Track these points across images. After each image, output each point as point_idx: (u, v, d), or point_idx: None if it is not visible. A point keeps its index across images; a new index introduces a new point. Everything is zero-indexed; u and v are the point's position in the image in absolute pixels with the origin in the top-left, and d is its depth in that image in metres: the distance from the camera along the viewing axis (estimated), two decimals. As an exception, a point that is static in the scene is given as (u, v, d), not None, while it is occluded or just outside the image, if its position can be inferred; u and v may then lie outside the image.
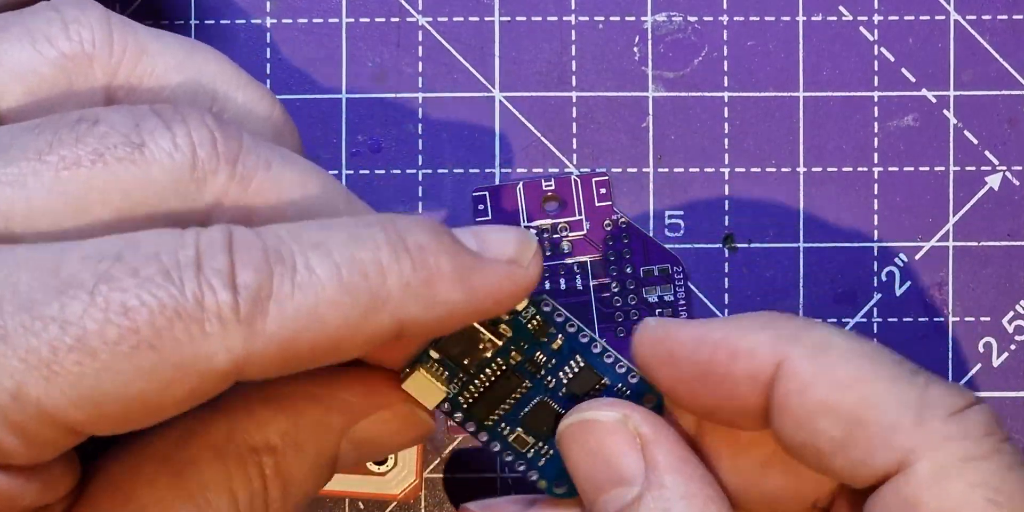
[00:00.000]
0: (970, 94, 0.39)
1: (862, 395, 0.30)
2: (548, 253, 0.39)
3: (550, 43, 0.39)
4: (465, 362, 0.32)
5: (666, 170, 0.39)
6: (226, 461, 0.29)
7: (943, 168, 0.39)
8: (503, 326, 0.32)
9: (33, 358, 0.26)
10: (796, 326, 0.30)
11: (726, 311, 0.39)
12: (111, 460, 0.29)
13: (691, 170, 0.39)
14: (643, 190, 0.39)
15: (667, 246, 0.39)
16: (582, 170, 0.39)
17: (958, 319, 0.39)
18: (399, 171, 0.39)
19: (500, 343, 0.32)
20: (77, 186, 0.28)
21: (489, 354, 0.32)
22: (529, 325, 0.32)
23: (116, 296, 0.26)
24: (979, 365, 0.39)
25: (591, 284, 0.39)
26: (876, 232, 0.39)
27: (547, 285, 0.39)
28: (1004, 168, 0.39)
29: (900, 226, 0.39)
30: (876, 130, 0.39)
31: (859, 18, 0.39)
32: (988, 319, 0.39)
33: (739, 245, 0.39)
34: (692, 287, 0.39)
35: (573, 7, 0.39)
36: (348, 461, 0.31)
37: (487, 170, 0.39)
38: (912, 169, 0.39)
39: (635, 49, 0.39)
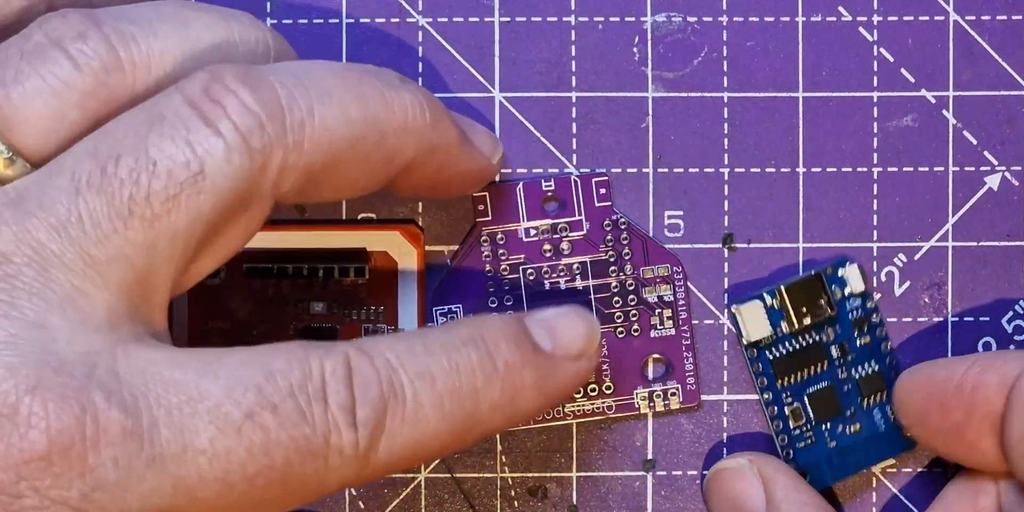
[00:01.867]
0: (969, 94, 0.39)
1: None
2: (548, 253, 0.39)
3: (550, 43, 0.39)
4: (793, 314, 0.37)
5: (666, 170, 0.39)
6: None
7: (942, 168, 0.39)
8: (832, 301, 0.37)
9: (182, 485, 0.28)
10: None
11: (725, 311, 0.39)
12: None
13: (691, 170, 0.39)
14: (643, 190, 0.39)
15: (667, 246, 0.39)
16: (582, 170, 0.39)
17: (957, 319, 0.39)
18: (399, 171, 0.39)
19: (832, 314, 0.37)
20: (164, 238, 0.29)
21: (817, 320, 0.37)
22: (851, 314, 0.37)
23: (259, 435, 0.28)
24: (978, 365, 0.39)
25: (591, 284, 0.39)
26: (875, 232, 0.39)
27: (547, 285, 0.39)
28: (1003, 168, 0.39)
29: (899, 226, 0.39)
30: (875, 130, 0.39)
31: (858, 18, 0.39)
32: (987, 319, 0.39)
33: (739, 245, 0.39)
34: (692, 287, 0.39)
35: (573, 7, 0.39)
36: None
37: (487, 170, 0.39)
38: (911, 169, 0.39)
39: (635, 49, 0.39)
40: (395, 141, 0.32)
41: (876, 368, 0.38)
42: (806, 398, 0.38)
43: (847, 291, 0.38)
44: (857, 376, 0.38)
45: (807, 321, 0.38)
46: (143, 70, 0.31)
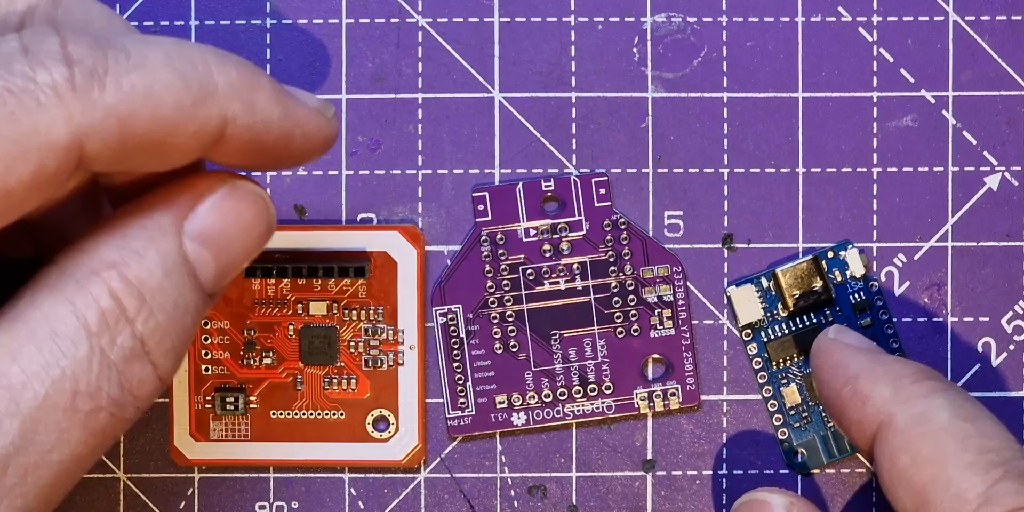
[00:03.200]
0: (969, 95, 0.39)
1: (933, 477, 0.32)
2: (548, 253, 0.39)
3: (550, 43, 0.39)
4: (788, 297, 0.38)
5: (665, 170, 0.39)
6: (63, 291, 0.29)
7: (942, 168, 0.39)
8: (828, 284, 0.38)
9: None
10: (916, 391, 0.33)
11: (725, 311, 0.39)
12: None
13: (690, 170, 0.39)
14: (643, 190, 0.39)
15: (667, 246, 0.39)
16: (582, 170, 0.39)
17: (957, 319, 0.39)
18: (399, 171, 0.39)
19: (830, 296, 0.38)
20: None
21: (812, 302, 0.38)
22: (853, 297, 0.38)
23: None
24: (978, 365, 0.39)
25: (591, 284, 0.39)
26: (875, 232, 0.39)
27: (547, 285, 0.39)
28: (1003, 168, 0.39)
29: (899, 226, 0.39)
30: (875, 130, 0.39)
31: (858, 19, 0.39)
32: (987, 319, 0.39)
33: (739, 245, 0.39)
34: (692, 287, 0.39)
35: (573, 7, 0.39)
36: (206, 263, 0.31)
37: (487, 170, 0.39)
38: (911, 169, 0.39)
39: (635, 50, 0.39)
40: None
41: None
42: (802, 379, 0.38)
43: (848, 274, 0.38)
44: None
45: (803, 304, 0.38)
46: None
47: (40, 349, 0.28)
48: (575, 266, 0.39)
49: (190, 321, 0.30)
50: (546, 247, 0.39)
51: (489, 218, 0.39)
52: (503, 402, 0.39)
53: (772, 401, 0.38)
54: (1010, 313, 0.39)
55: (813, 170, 0.39)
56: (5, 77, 0.27)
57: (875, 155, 0.39)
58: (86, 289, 0.29)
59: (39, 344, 0.28)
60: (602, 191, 0.39)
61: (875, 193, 0.39)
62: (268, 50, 0.39)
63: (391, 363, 0.38)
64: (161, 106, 0.28)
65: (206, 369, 0.38)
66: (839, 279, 0.38)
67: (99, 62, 0.28)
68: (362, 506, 0.39)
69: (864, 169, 0.39)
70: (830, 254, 0.38)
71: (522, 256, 0.39)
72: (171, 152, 0.29)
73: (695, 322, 0.39)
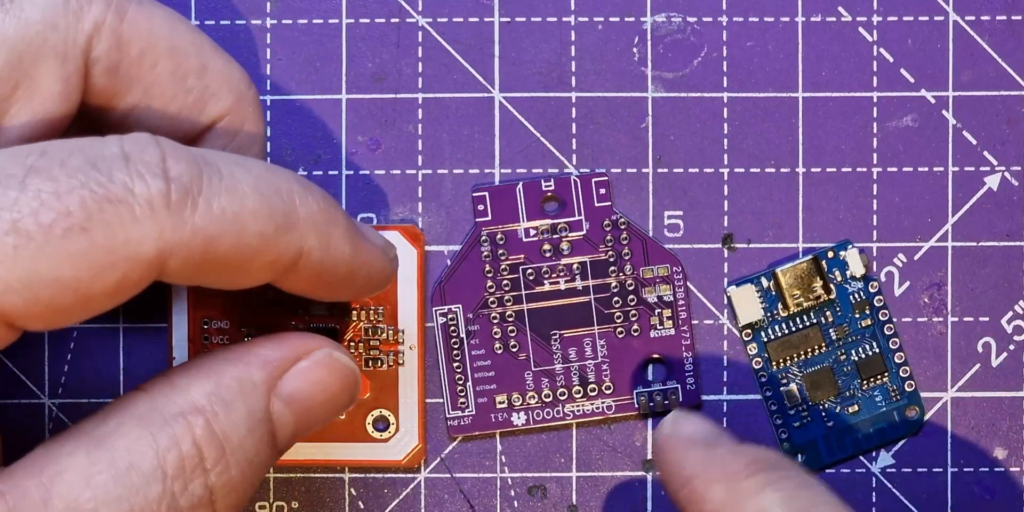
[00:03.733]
0: (969, 95, 0.39)
1: None
2: (548, 253, 0.39)
3: (550, 43, 0.39)
4: (788, 297, 0.38)
5: (665, 170, 0.39)
6: (149, 426, 0.30)
7: (942, 168, 0.39)
8: (829, 284, 0.38)
9: None
10: (748, 488, 0.33)
11: (725, 311, 0.39)
12: (39, 448, 0.30)
13: (690, 170, 0.39)
14: (643, 190, 0.39)
15: (667, 246, 0.39)
16: (582, 170, 0.39)
17: (957, 319, 0.39)
18: (399, 171, 0.39)
19: (831, 297, 0.38)
20: None
21: (812, 302, 0.38)
22: (853, 297, 0.38)
23: (48, 184, 0.27)
24: (978, 365, 0.39)
25: (591, 284, 0.39)
26: (875, 232, 0.39)
27: (547, 285, 0.39)
28: (1003, 168, 0.39)
29: (899, 226, 0.39)
30: (875, 130, 0.39)
31: (858, 19, 0.39)
32: (987, 319, 0.39)
33: (738, 245, 0.39)
34: (692, 287, 0.39)
35: (573, 7, 0.39)
36: (287, 425, 0.32)
37: (487, 170, 0.39)
38: (911, 169, 0.39)
39: (635, 50, 0.39)
40: (214, 82, 0.33)
41: (877, 350, 0.38)
42: (802, 379, 0.38)
43: (848, 274, 0.38)
44: (857, 358, 0.38)
45: (804, 304, 0.38)
46: None
47: (116, 481, 0.29)
48: (575, 266, 0.39)
49: (259, 478, 0.31)
50: (546, 247, 0.39)
51: (489, 218, 0.39)
52: (503, 402, 0.39)
53: (772, 401, 0.38)
54: (1010, 313, 0.39)
55: (813, 170, 0.39)
56: (106, 185, 0.28)
57: (875, 155, 0.39)
58: (171, 429, 0.29)
59: (116, 476, 0.29)
60: (602, 191, 0.39)
61: (875, 193, 0.39)
62: (268, 50, 0.39)
63: (391, 363, 0.38)
64: (245, 233, 0.29)
65: (206, 369, 0.38)
66: (839, 279, 0.38)
67: (194, 181, 0.28)
68: (362, 506, 0.39)
69: (864, 169, 0.39)
70: (830, 254, 0.38)
71: (522, 256, 0.39)
72: (243, 276, 0.30)
73: (695, 322, 0.39)
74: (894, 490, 0.39)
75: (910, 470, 0.39)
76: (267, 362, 0.32)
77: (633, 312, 0.39)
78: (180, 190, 0.28)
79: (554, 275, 0.39)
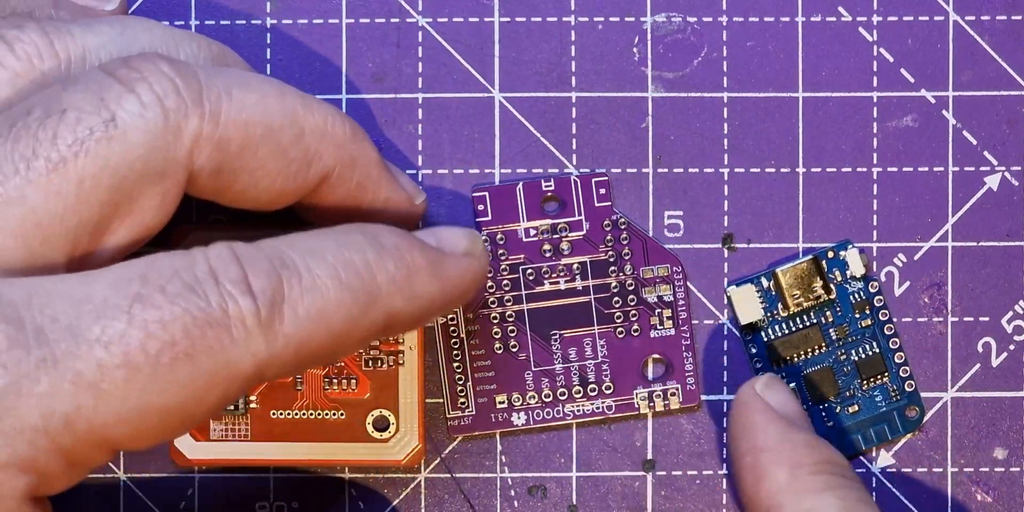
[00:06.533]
0: (969, 95, 0.39)
1: None
2: (548, 253, 0.39)
3: (550, 43, 0.39)
4: (788, 297, 0.38)
5: (665, 170, 0.39)
6: None
7: (942, 168, 0.39)
8: (829, 284, 0.38)
9: (82, 380, 0.27)
10: (810, 484, 0.34)
11: (725, 311, 0.39)
12: None
13: (691, 170, 0.39)
14: (643, 190, 0.39)
15: (667, 246, 0.39)
16: (582, 170, 0.39)
17: (957, 319, 0.39)
18: (399, 171, 0.39)
19: (831, 297, 0.38)
20: (70, 183, 0.29)
21: (812, 302, 0.38)
22: (853, 297, 0.38)
23: (152, 313, 0.28)
24: (978, 365, 0.39)
25: (591, 284, 0.39)
26: (875, 232, 0.39)
27: (547, 285, 0.39)
28: (1003, 168, 0.39)
29: (899, 226, 0.39)
30: (875, 130, 0.39)
31: (858, 19, 0.39)
32: (987, 319, 0.39)
33: (739, 245, 0.39)
34: (692, 287, 0.39)
35: (573, 7, 0.39)
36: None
37: (487, 170, 0.39)
38: (911, 169, 0.39)
39: (635, 49, 0.39)
40: (313, 142, 0.32)
41: (877, 350, 0.38)
42: (802, 379, 0.38)
43: (848, 274, 0.38)
44: (857, 358, 0.38)
45: (804, 304, 0.38)
46: (78, 61, 0.32)
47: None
48: (575, 266, 0.39)
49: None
50: (546, 247, 0.39)
51: (489, 218, 0.39)
52: (503, 402, 0.39)
53: None
54: (1010, 313, 0.39)
55: (813, 170, 0.39)
56: (206, 309, 0.28)
57: (875, 155, 0.39)
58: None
59: None
60: (602, 191, 0.39)
61: (875, 193, 0.39)
62: (268, 50, 0.39)
63: (391, 363, 0.38)
64: (333, 325, 0.30)
65: (206, 369, 0.38)
66: (839, 279, 0.38)
67: (277, 291, 0.29)
68: (362, 506, 0.39)
69: (864, 169, 0.39)
70: (830, 254, 0.38)
71: (522, 256, 0.39)
72: (339, 356, 0.32)
73: (695, 322, 0.39)
74: (894, 490, 0.39)
75: (910, 470, 0.39)
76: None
77: (633, 312, 0.39)
78: (267, 305, 0.29)
79: (554, 275, 0.39)
